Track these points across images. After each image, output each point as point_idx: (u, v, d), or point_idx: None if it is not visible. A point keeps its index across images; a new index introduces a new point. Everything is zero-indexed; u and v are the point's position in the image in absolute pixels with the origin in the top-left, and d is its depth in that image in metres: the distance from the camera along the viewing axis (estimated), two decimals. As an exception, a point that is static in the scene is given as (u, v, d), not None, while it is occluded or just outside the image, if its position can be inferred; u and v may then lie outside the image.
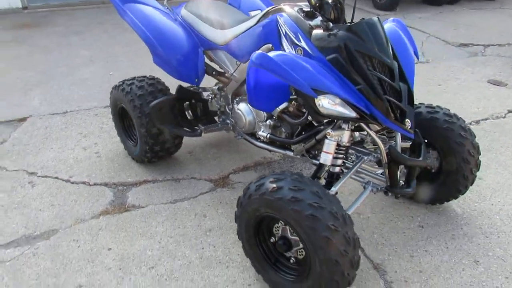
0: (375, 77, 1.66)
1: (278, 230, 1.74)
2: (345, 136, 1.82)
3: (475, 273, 1.94)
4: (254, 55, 1.68)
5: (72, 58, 4.66)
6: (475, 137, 2.15)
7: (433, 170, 2.24)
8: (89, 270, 1.96)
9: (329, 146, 1.79)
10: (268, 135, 2.17)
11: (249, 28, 2.16)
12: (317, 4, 1.76)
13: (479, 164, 2.16)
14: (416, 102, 2.16)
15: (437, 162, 2.18)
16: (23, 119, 3.35)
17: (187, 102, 2.51)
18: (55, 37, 5.33)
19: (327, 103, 1.65)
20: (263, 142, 2.27)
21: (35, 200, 2.44)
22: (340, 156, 1.84)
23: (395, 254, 2.05)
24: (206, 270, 1.96)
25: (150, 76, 2.62)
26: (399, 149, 1.86)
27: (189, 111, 2.55)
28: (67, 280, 1.91)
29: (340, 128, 1.82)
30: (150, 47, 2.37)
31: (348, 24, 1.73)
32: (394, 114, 1.71)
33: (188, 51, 2.39)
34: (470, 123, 3.29)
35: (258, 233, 1.79)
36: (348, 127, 1.81)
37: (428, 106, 2.19)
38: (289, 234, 1.69)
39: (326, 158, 1.79)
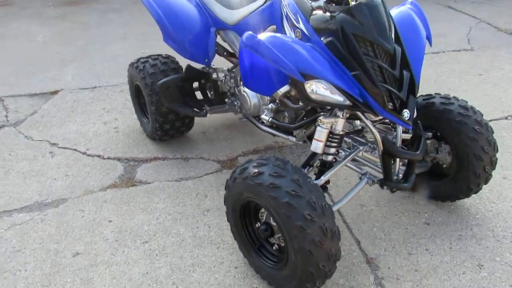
0: (372, 63, 1.57)
1: (263, 215, 1.72)
2: (339, 124, 1.74)
3: (476, 278, 1.81)
4: (244, 36, 1.64)
5: (108, 35, 4.82)
6: (493, 132, 1.98)
7: (444, 166, 2.10)
8: (88, 239, 2.05)
9: (321, 133, 1.72)
10: (270, 119, 2.13)
11: (257, 8, 2.11)
12: None
13: (495, 162, 2.00)
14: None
15: (449, 157, 2.04)
16: (54, 92, 3.53)
17: (197, 82, 2.51)
18: (96, 14, 5.52)
19: (317, 89, 1.58)
20: (267, 126, 2.24)
21: (52, 169, 2.58)
22: (334, 144, 1.77)
23: (392, 250, 1.96)
24: (196, 249, 1.99)
25: (165, 55, 2.65)
26: (399, 141, 1.75)
27: (202, 92, 2.56)
28: (66, 246, 2.01)
29: (335, 115, 1.74)
30: (161, 26, 2.39)
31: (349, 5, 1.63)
32: (393, 104, 1.61)
33: (199, 31, 2.38)
34: (506, 118, 3.04)
35: (244, 217, 1.78)
36: (343, 115, 1.73)
37: (443, 97, 2.04)
38: (271, 220, 1.66)
39: (316, 145, 1.73)
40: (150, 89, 2.46)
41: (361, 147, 1.85)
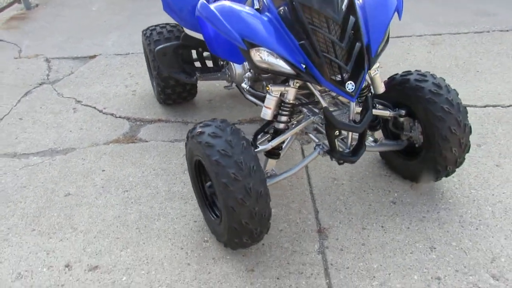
0: (317, 33, 1.58)
1: (213, 174, 1.84)
2: (290, 93, 1.78)
3: (423, 259, 1.79)
4: (199, 4, 1.73)
5: (154, 7, 5.09)
6: (466, 113, 1.89)
7: (417, 145, 2.06)
8: (81, 184, 2.34)
9: (269, 101, 1.77)
10: (248, 88, 2.21)
11: (242, -21, 2.17)
12: None
13: (466, 146, 1.91)
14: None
15: (422, 136, 1.99)
16: (93, 57, 3.90)
17: (195, 50, 2.66)
18: (149, -13, 5.86)
19: (263, 57, 1.64)
20: (249, 94, 2.32)
21: (71, 122, 2.92)
22: (284, 113, 1.81)
23: (347, 223, 1.99)
24: (167, 201, 2.18)
25: (173, 24, 2.82)
26: (351, 114, 1.75)
27: (200, 60, 2.71)
28: (62, 187, 2.32)
29: (284, 84, 1.79)
30: (161, -5, 2.54)
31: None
32: (341, 75, 1.62)
33: (197, 1, 2.49)
34: (531, 104, 2.79)
35: (200, 174, 1.92)
36: (293, 84, 1.77)
37: (420, 74, 1.97)
38: (215, 178, 1.78)
39: (265, 112, 1.79)
40: (153, 54, 2.66)
41: (312, 117, 1.88)
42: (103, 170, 2.44)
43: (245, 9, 1.68)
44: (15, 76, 3.58)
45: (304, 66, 1.61)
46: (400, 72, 2.07)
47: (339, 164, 1.84)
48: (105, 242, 1.97)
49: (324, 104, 1.72)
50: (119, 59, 3.82)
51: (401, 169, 2.19)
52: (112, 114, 3.00)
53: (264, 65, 1.66)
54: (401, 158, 2.17)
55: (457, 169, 2.06)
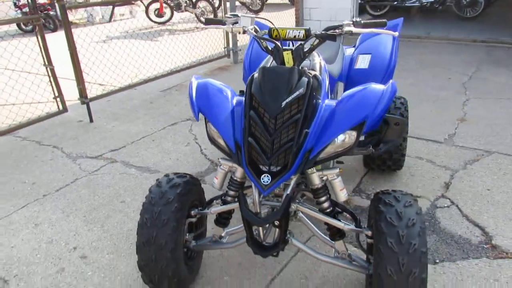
0: (253, 120, 1.68)
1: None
2: (238, 172, 1.88)
3: None
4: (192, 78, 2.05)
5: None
6: (419, 261, 1.50)
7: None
8: (137, 197, 2.97)
9: (218, 172, 1.91)
10: None
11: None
12: (270, 48, 1.90)
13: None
14: None
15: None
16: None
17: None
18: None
19: (210, 129, 1.84)
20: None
21: (176, 152, 3.65)
22: (232, 188, 1.91)
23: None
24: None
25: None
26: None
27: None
28: (125, 195, 3.00)
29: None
30: (244, 71, 2.95)
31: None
32: (269, 167, 1.66)
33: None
34: None
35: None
36: (244, 163, 1.85)
37: (395, 196, 1.70)
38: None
39: (213, 181, 1.93)
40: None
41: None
42: (158, 194, 3.00)
43: (220, 89, 1.91)
44: (179, 110, 4.67)
45: (237, 149, 1.72)
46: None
47: (254, 253, 1.79)
48: (107, 242, 2.49)
49: (254, 190, 1.75)
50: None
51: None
52: (205, 155, 3.57)
53: (212, 137, 1.85)
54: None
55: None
